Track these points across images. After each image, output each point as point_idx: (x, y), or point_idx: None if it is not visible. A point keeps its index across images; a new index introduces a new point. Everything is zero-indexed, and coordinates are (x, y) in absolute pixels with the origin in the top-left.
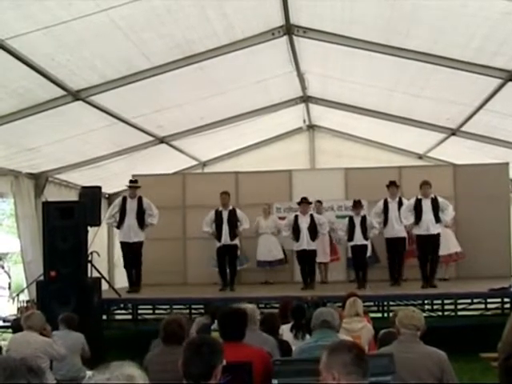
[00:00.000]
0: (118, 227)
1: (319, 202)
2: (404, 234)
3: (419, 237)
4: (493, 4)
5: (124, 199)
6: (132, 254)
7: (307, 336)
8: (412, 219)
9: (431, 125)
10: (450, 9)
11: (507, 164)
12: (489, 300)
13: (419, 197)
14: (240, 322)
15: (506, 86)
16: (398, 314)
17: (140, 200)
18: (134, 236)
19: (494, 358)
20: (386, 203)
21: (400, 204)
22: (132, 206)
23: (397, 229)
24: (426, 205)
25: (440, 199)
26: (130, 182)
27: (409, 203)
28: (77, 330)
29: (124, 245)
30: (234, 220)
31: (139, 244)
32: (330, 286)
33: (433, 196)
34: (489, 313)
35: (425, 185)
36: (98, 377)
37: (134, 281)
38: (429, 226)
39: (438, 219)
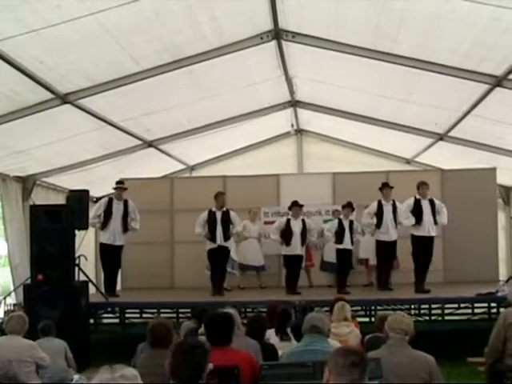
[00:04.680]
0: (103, 228)
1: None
2: (396, 238)
3: (419, 238)
4: (481, 9)
5: (110, 201)
6: (114, 257)
7: (292, 339)
8: (413, 220)
9: (419, 130)
10: (439, 14)
11: (494, 169)
12: (476, 305)
13: (418, 197)
14: (227, 326)
15: (494, 91)
16: (388, 318)
17: (126, 203)
18: (118, 239)
19: (481, 363)
20: (380, 205)
21: (394, 207)
22: (119, 208)
23: (391, 232)
24: (426, 206)
25: (436, 201)
26: (117, 183)
27: (408, 203)
28: (57, 336)
29: (107, 247)
30: (227, 221)
31: (121, 248)
32: (315, 291)
33: (429, 197)
34: (476, 317)
35: (423, 185)
36: (102, 376)
37: (113, 284)
38: (429, 228)
39: (435, 221)
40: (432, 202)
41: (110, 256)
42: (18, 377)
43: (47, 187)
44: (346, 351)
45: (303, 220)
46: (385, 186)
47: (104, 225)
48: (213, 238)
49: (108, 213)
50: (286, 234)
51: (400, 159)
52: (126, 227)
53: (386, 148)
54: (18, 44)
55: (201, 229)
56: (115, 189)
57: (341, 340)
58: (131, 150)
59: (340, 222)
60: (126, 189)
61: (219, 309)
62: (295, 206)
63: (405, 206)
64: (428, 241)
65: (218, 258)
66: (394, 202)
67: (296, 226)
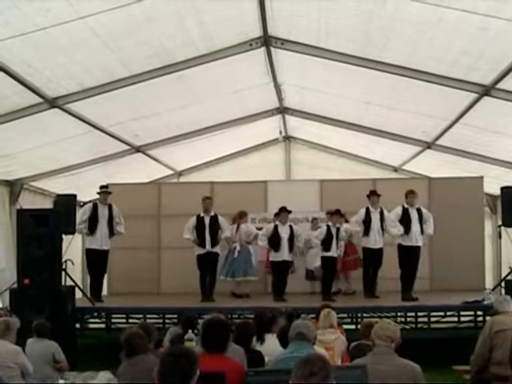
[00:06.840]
0: (90, 234)
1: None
2: (382, 246)
3: (405, 248)
4: (469, 18)
5: (95, 206)
6: (100, 262)
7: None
8: (402, 229)
9: (406, 138)
10: (427, 22)
11: (481, 178)
12: (462, 313)
13: (406, 206)
14: (224, 334)
15: (482, 100)
16: (374, 325)
17: (110, 207)
18: (104, 244)
19: (467, 371)
20: (368, 212)
21: (382, 214)
22: (104, 213)
23: (378, 240)
24: (414, 215)
25: (424, 210)
26: (101, 187)
27: (396, 212)
28: (49, 338)
29: (94, 252)
30: (215, 226)
31: (107, 252)
32: (302, 298)
33: (417, 206)
34: (462, 326)
35: (411, 194)
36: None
37: (99, 290)
38: (417, 237)
39: (422, 231)
40: (419, 211)
41: (97, 261)
42: (1, 380)
43: (34, 191)
44: (305, 361)
45: (291, 226)
46: (372, 194)
47: (91, 230)
48: (202, 244)
49: (94, 218)
50: (273, 240)
51: (387, 167)
52: (112, 231)
53: (373, 156)
54: (6, 47)
55: (189, 234)
56: (100, 193)
57: (327, 347)
58: (119, 154)
59: (328, 230)
60: (110, 193)
61: (206, 315)
62: (283, 211)
63: (393, 215)
64: (414, 250)
65: (208, 264)
66: (381, 209)
67: (284, 232)
